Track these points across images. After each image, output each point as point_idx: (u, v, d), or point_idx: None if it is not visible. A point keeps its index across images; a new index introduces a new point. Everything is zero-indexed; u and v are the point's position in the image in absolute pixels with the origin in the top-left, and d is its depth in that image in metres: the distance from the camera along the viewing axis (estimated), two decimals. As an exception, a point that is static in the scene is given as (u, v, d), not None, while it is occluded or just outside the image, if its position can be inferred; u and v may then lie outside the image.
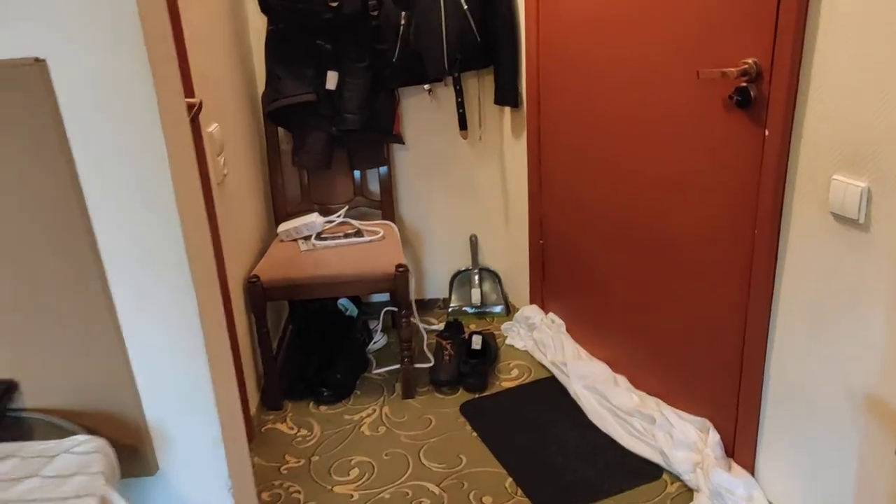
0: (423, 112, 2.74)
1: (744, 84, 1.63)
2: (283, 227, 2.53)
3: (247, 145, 2.51)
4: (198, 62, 1.98)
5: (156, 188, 1.06)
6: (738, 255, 1.76)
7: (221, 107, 2.21)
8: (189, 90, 1.88)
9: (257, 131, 2.64)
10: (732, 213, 1.75)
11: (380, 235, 2.52)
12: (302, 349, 2.64)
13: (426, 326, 2.86)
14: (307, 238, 2.50)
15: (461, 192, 2.88)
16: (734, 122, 1.69)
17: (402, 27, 2.43)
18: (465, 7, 2.41)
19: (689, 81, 1.79)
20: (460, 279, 2.99)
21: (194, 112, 1.81)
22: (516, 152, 2.65)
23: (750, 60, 1.61)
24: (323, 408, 2.42)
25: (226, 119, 2.24)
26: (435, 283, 3.01)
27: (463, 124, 2.64)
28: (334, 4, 2.32)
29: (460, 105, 2.62)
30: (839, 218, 1.46)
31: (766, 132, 1.60)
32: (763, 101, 1.61)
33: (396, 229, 2.62)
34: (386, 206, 2.72)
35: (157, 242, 1.09)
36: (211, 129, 2.06)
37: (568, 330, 2.59)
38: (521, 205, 2.70)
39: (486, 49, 2.51)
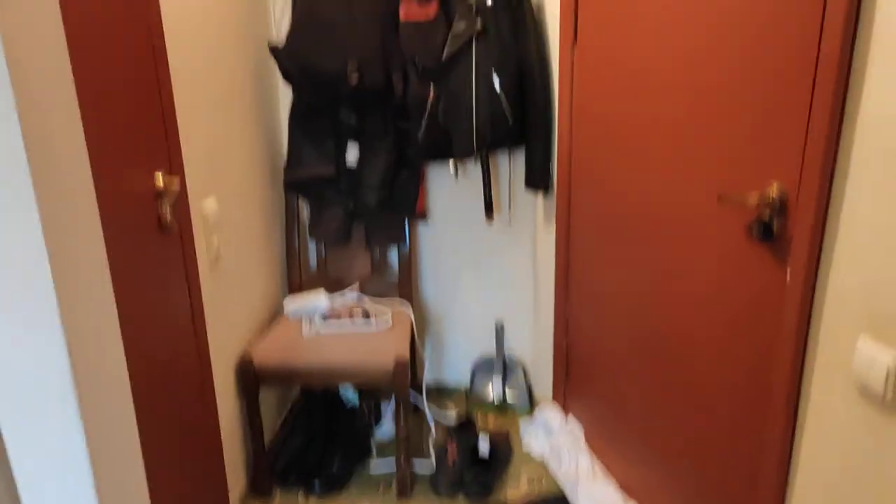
0: (450, 189, 2.61)
1: (765, 215, 1.41)
2: (288, 302, 2.44)
3: (262, 215, 2.45)
4: (194, 132, 1.92)
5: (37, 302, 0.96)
6: (754, 414, 1.52)
7: (226, 179, 2.14)
8: (176, 166, 1.81)
9: (278, 200, 2.57)
10: (749, 360, 1.51)
11: (388, 320, 2.38)
12: (302, 432, 2.52)
13: (438, 419, 2.69)
14: (311, 317, 2.39)
15: (488, 275, 2.72)
16: (755, 256, 1.47)
17: (429, 103, 2.32)
18: (498, 88, 2.27)
19: (711, 202, 1.58)
20: (483, 367, 2.81)
21: (172, 193, 1.74)
22: (548, 239, 2.47)
23: (773, 186, 1.39)
24: (313, 500, 2.28)
25: (231, 190, 2.18)
26: (455, 368, 2.84)
27: (489, 210, 2.48)
28: (354, 79, 2.23)
29: (487, 186, 2.47)
30: (863, 390, 1.22)
31: (788, 276, 1.37)
32: (786, 237, 1.38)
33: (411, 312, 2.48)
34: (403, 286, 2.59)
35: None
36: (205, 205, 1.99)
37: (586, 437, 2.37)
38: (551, 294, 2.51)
39: (517, 131, 2.36)
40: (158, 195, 1.73)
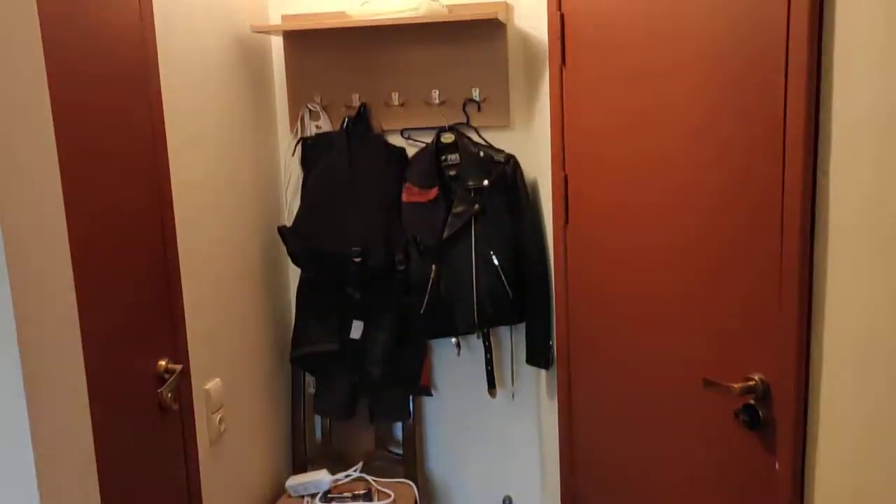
0: (454, 364, 2.64)
1: (751, 402, 1.42)
2: (291, 481, 2.42)
3: (268, 390, 2.48)
4: (201, 313, 1.99)
5: None
6: None
7: (232, 357, 2.20)
8: (181, 354, 1.87)
9: (285, 375, 2.61)
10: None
11: (390, 501, 2.34)
12: None
13: None
14: (313, 496, 2.36)
15: (494, 449, 2.68)
16: (744, 443, 1.46)
17: (431, 280, 2.40)
18: (497, 263, 2.36)
19: (697, 387, 1.59)
20: (492, 547, 2.71)
21: (173, 378, 1.79)
22: (552, 413, 2.46)
23: (756, 377, 1.41)
24: None
25: (238, 368, 2.23)
26: (464, 548, 2.74)
27: (491, 383, 2.50)
28: (357, 260, 2.33)
29: (489, 363, 2.49)
30: None
31: (777, 464, 1.35)
32: (773, 424, 1.38)
33: (415, 491, 2.44)
34: (408, 462, 2.56)
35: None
36: (209, 385, 2.04)
37: None
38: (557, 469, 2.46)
39: (518, 306, 2.42)
40: (160, 379, 1.79)
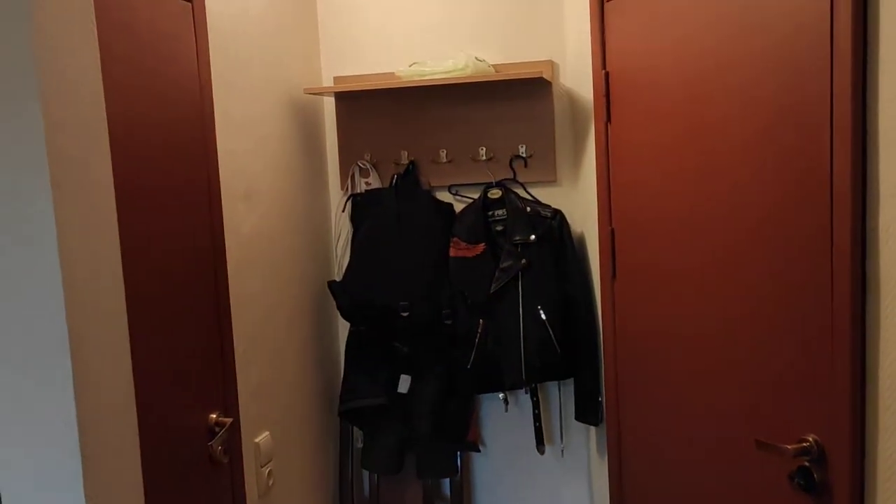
0: (502, 420, 2.62)
1: (806, 464, 1.38)
2: (338, 537, 2.42)
3: (317, 443, 2.50)
4: (253, 367, 2.04)
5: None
6: None
7: (282, 410, 2.23)
8: (232, 408, 1.91)
9: (334, 428, 2.63)
10: None
11: (437, 558, 2.31)
12: None
13: None
14: (360, 553, 2.36)
15: (543, 508, 2.64)
16: (800, 506, 1.41)
17: (478, 334, 2.41)
18: (544, 317, 2.36)
19: (750, 448, 1.55)
20: None
21: (224, 431, 1.82)
22: (602, 471, 2.42)
23: (810, 438, 1.38)
24: None
25: (287, 420, 2.26)
26: None
27: (540, 440, 2.47)
28: (405, 314, 2.36)
29: (537, 419, 2.47)
30: None
31: (835, 530, 1.31)
32: (828, 488, 1.34)
33: (462, 549, 2.41)
34: (456, 520, 2.54)
35: None
36: (259, 438, 2.07)
37: None
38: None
39: (566, 362, 2.40)
40: (211, 432, 1.82)
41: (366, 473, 2.66)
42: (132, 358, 1.30)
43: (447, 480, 2.62)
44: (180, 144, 1.75)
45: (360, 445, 2.63)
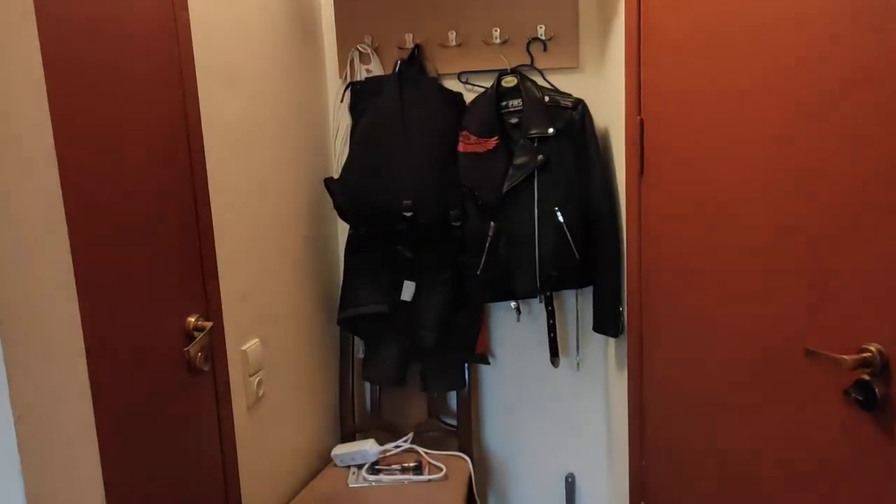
0: (513, 330, 2.45)
1: (866, 377, 1.19)
2: (337, 450, 2.29)
3: (315, 353, 2.35)
4: (238, 269, 1.86)
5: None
6: None
7: (274, 316, 2.06)
8: (213, 312, 1.74)
9: (333, 338, 2.48)
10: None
11: (442, 474, 2.18)
12: None
13: (503, 583, 2.41)
14: (360, 467, 2.23)
15: (557, 423, 2.49)
16: (855, 426, 1.22)
17: (489, 239, 2.21)
18: (561, 219, 2.15)
19: (797, 358, 1.36)
20: (553, 527, 2.54)
21: (203, 336, 1.65)
22: (621, 386, 2.25)
23: (872, 348, 1.17)
24: None
25: (280, 328, 2.09)
26: (523, 528, 2.58)
27: (554, 352, 2.30)
28: (408, 215, 2.16)
29: (552, 329, 2.29)
30: None
31: (898, 454, 1.12)
32: (891, 404, 1.15)
33: (469, 466, 2.28)
34: (463, 435, 2.40)
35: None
36: (247, 346, 1.91)
37: None
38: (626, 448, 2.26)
39: (585, 269, 2.21)
40: (189, 337, 1.66)
41: (368, 385, 2.52)
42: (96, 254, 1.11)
43: (454, 394, 2.47)
44: (143, 16, 1.52)
45: (361, 356, 2.47)
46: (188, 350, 1.59)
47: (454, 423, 2.44)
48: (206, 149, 1.71)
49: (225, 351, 1.80)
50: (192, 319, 1.66)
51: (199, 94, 1.69)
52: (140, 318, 1.49)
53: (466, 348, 2.36)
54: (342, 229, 2.43)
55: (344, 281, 2.36)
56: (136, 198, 1.48)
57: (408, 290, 2.31)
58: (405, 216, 2.17)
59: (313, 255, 2.36)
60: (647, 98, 1.95)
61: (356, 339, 2.47)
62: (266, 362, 2.01)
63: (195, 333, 1.66)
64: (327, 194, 2.27)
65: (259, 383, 1.96)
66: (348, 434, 2.45)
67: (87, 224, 1.33)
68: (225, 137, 1.81)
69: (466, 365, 2.41)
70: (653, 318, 2.03)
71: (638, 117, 1.96)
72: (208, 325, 1.68)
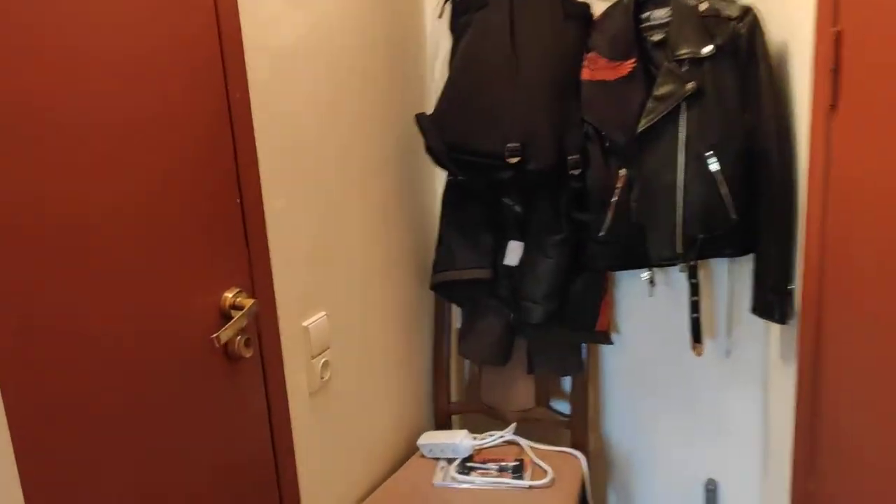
0: (645, 305, 2.00)
1: None
2: (424, 439, 1.95)
3: (403, 322, 2.00)
4: (299, 242, 1.52)
5: None
6: None
7: (342, 286, 1.72)
8: (260, 284, 1.41)
9: (427, 304, 2.12)
10: None
11: (547, 479, 1.80)
12: None
13: None
14: (450, 461, 1.89)
15: (696, 420, 2.04)
16: None
17: (618, 191, 1.75)
18: (716, 168, 1.65)
19: None
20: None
21: (241, 316, 1.33)
22: (785, 383, 1.77)
23: None
24: None
25: (350, 299, 1.75)
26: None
27: (697, 335, 1.83)
28: (513, 161, 1.73)
29: (695, 307, 1.82)
30: None
31: None
32: None
33: (584, 466, 1.89)
34: (577, 427, 2.00)
35: None
36: (310, 322, 1.58)
37: None
38: (787, 455, 1.79)
39: (743, 230, 1.71)
40: (225, 318, 1.34)
41: (466, 361, 2.16)
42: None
43: (567, 378, 2.07)
44: None
45: (457, 326, 2.11)
46: (217, 336, 1.27)
47: (567, 412, 2.04)
48: (248, 72, 1.35)
49: (277, 331, 1.49)
50: (228, 295, 1.34)
51: (241, 4, 1.32)
52: (149, 297, 1.18)
53: (584, 325, 1.94)
54: (441, 176, 2.04)
55: (439, 238, 1.98)
56: (151, 144, 1.16)
57: (514, 253, 1.91)
58: (510, 162, 1.74)
59: (403, 206, 1.98)
60: (849, 1, 1.41)
61: (453, 306, 2.10)
62: (336, 339, 1.69)
63: (233, 312, 1.34)
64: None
65: (325, 365, 1.64)
66: (441, 417, 2.11)
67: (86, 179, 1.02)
68: (277, 60, 1.44)
69: (584, 345, 1.99)
70: (838, 301, 1.52)
71: (833, 29, 1.42)
72: (249, 302, 1.35)
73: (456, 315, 2.12)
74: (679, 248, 1.73)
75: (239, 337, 1.35)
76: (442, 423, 2.11)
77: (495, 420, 2.07)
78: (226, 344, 1.33)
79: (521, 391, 2.09)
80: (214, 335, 1.26)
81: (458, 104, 1.81)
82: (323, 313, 1.63)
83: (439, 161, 1.86)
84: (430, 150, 1.85)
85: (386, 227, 1.90)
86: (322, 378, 1.63)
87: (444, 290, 2.02)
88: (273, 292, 1.46)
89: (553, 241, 1.85)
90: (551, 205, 1.85)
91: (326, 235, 1.64)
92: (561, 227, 1.84)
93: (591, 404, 2.08)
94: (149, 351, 1.18)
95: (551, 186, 1.82)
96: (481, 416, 2.09)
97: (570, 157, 1.77)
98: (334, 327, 1.67)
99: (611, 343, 1.99)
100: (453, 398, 2.16)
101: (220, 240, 1.32)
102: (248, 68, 1.35)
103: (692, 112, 1.68)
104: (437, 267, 1.98)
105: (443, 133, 1.81)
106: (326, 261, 1.65)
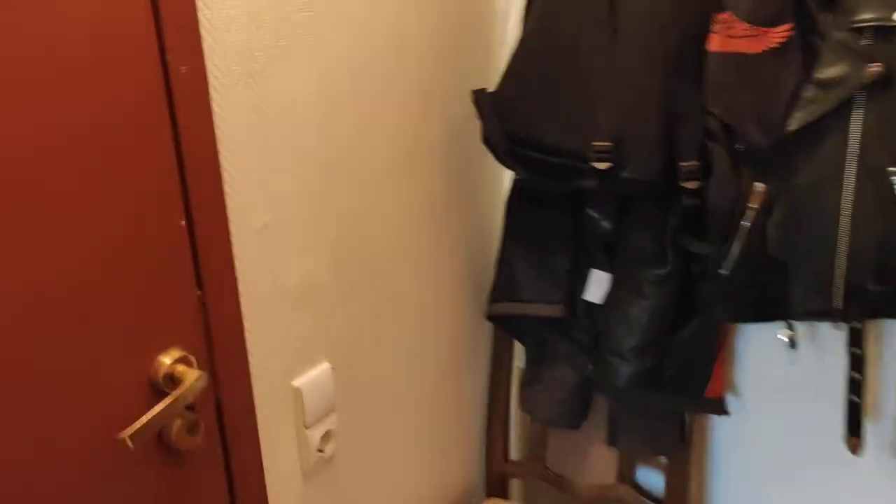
0: (777, 370, 1.47)
1: None
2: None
3: (445, 363, 1.57)
4: (289, 266, 1.10)
5: None
6: None
7: (354, 325, 1.30)
8: (215, 339, 1.00)
9: (476, 339, 1.67)
10: None
11: None
12: None
13: None
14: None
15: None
16: None
17: (750, 212, 1.24)
18: (907, 190, 1.13)
19: None
20: None
21: (184, 392, 0.92)
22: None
23: None
24: None
25: (372, 334, 1.32)
26: None
27: (855, 427, 1.31)
28: (602, 166, 1.24)
29: (855, 387, 1.30)
30: None
31: None
32: None
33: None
34: (673, 520, 1.52)
35: None
36: (303, 380, 1.17)
37: None
38: None
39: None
40: (159, 393, 0.94)
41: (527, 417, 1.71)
42: None
43: (663, 459, 1.59)
44: None
45: (521, 365, 1.65)
46: (124, 438, 0.86)
47: (660, 492, 1.56)
48: (204, 33, 0.93)
49: (248, 400, 1.07)
50: (165, 361, 0.94)
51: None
52: (27, 372, 0.78)
53: (690, 390, 1.44)
54: (509, 172, 1.57)
55: (500, 258, 1.52)
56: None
57: (597, 286, 1.43)
58: (597, 167, 1.25)
59: (454, 209, 1.53)
60: None
61: (513, 344, 1.65)
62: (346, 397, 1.27)
63: (166, 389, 0.93)
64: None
65: (327, 436, 1.22)
66: (495, 481, 1.68)
67: None
68: (264, 10, 1.00)
69: (687, 414, 1.50)
70: None
71: None
72: (192, 375, 0.94)
73: (519, 351, 1.67)
74: (838, 301, 1.22)
75: (179, 422, 0.95)
76: (496, 489, 1.68)
77: (562, 493, 1.61)
78: (161, 434, 0.94)
79: (599, 460, 1.62)
80: (121, 434, 0.86)
81: (526, 81, 1.33)
82: (325, 365, 1.21)
83: (500, 154, 1.39)
84: (487, 140, 1.38)
85: (429, 237, 1.45)
86: (321, 453, 1.22)
87: (503, 322, 1.57)
88: (243, 347, 1.05)
89: (652, 276, 1.35)
90: (653, 225, 1.35)
91: (337, 256, 1.21)
92: (665, 257, 1.34)
93: (692, 492, 1.59)
94: (34, 455, 0.79)
95: (654, 201, 1.33)
96: (548, 489, 1.64)
97: (683, 164, 1.26)
98: (343, 381, 1.26)
99: (726, 414, 1.49)
100: (512, 455, 1.72)
101: (150, 281, 0.91)
102: (204, 27, 0.92)
103: (872, 106, 1.16)
104: (496, 294, 1.53)
105: (505, 119, 1.34)
106: (334, 291, 1.22)
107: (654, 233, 1.35)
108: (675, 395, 1.46)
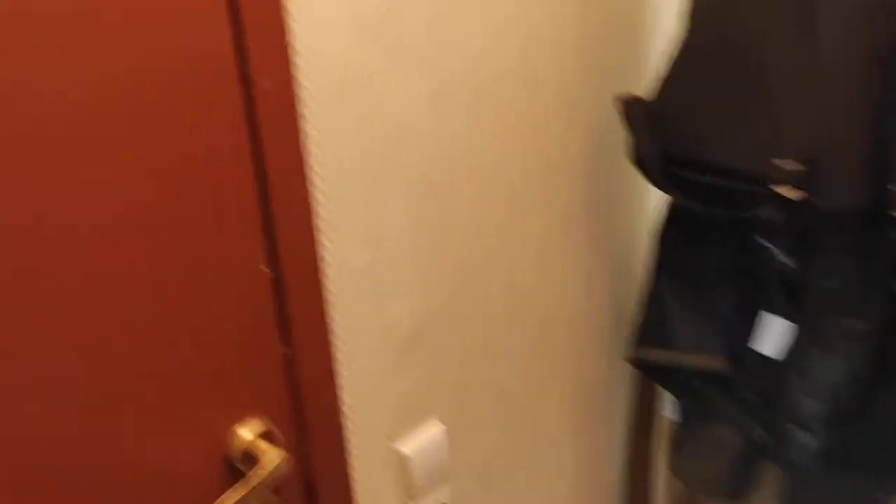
0: None
1: None
2: None
3: (568, 417, 1.35)
4: (396, 313, 0.93)
5: None
6: None
7: (473, 377, 1.11)
8: (320, 406, 0.84)
9: (617, 381, 1.44)
10: None
11: None
12: None
13: None
14: None
15: None
16: None
17: None
18: None
19: None
20: None
21: (265, 478, 0.76)
22: None
23: None
24: None
25: (486, 392, 1.13)
26: None
27: None
28: (792, 195, 0.98)
29: None
30: None
31: None
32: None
33: None
34: None
35: None
36: (410, 445, 0.99)
37: None
38: None
39: None
40: (234, 472, 0.79)
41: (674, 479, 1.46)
42: None
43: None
44: None
45: (673, 417, 1.41)
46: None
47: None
48: (295, 41, 0.76)
49: (345, 475, 0.91)
50: (244, 435, 0.78)
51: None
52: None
53: (892, 469, 1.16)
54: (656, 193, 1.33)
55: (651, 290, 1.29)
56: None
57: (773, 336, 1.17)
58: (781, 194, 1.00)
59: (594, 238, 1.31)
60: None
61: (665, 393, 1.41)
62: (464, 462, 1.08)
63: (241, 467, 0.78)
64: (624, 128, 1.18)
65: (441, 508, 1.05)
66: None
67: None
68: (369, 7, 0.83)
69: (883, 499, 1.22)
70: None
71: None
72: (275, 454, 0.78)
73: (669, 403, 1.43)
74: None
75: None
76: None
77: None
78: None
79: (766, 542, 1.36)
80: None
81: (691, 88, 1.09)
82: (437, 424, 1.03)
83: (653, 176, 1.16)
84: (638, 158, 1.15)
85: (563, 273, 1.24)
86: (430, 530, 1.05)
87: (649, 369, 1.34)
88: (337, 413, 0.89)
89: (850, 329, 1.08)
90: (852, 264, 1.08)
91: (452, 298, 1.03)
92: (867, 306, 1.07)
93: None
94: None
95: (855, 235, 1.06)
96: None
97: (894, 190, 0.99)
98: (459, 445, 1.07)
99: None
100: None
101: (224, 339, 0.76)
102: (293, 34, 0.76)
103: None
104: (643, 336, 1.29)
105: (662, 135, 1.11)
106: (448, 337, 1.04)
107: (853, 274, 1.08)
108: (878, 475, 1.18)
